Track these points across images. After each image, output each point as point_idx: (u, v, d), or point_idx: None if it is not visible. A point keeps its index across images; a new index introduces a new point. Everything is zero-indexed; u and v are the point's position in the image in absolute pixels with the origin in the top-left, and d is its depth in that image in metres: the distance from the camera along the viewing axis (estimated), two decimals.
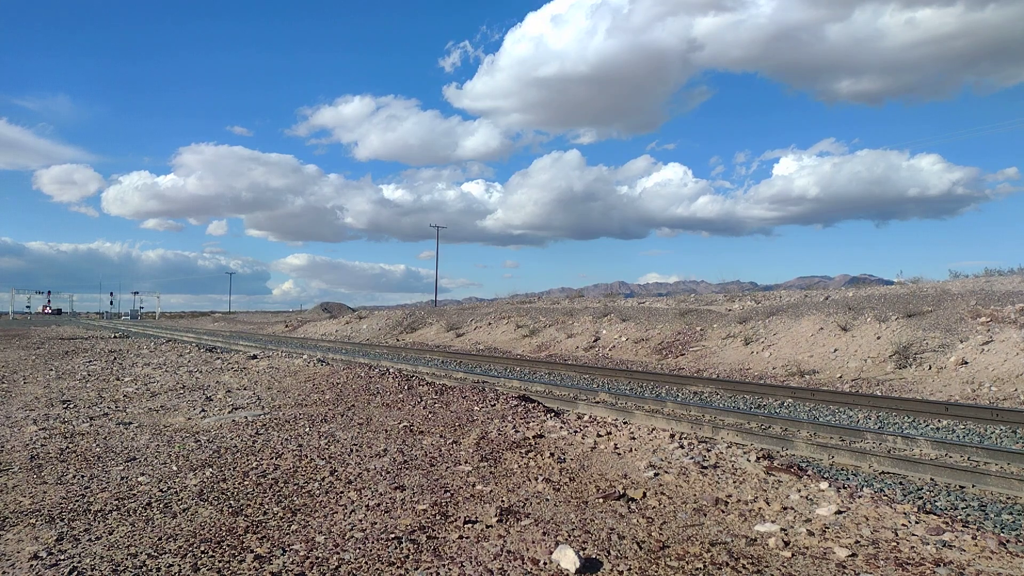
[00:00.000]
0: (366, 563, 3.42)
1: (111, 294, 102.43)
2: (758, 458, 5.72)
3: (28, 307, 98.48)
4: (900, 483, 6.49)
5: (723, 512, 4.25)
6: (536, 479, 4.94)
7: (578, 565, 3.32)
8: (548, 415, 7.65)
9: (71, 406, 8.41)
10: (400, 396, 8.96)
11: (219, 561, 3.43)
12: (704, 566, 3.40)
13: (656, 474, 5.10)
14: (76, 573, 3.28)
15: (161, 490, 4.64)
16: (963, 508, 5.73)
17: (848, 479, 6.58)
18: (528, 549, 3.60)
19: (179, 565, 3.38)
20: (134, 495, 4.53)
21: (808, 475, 5.37)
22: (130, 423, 7.21)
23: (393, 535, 3.79)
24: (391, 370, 12.86)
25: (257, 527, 3.92)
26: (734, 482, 4.93)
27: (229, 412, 7.83)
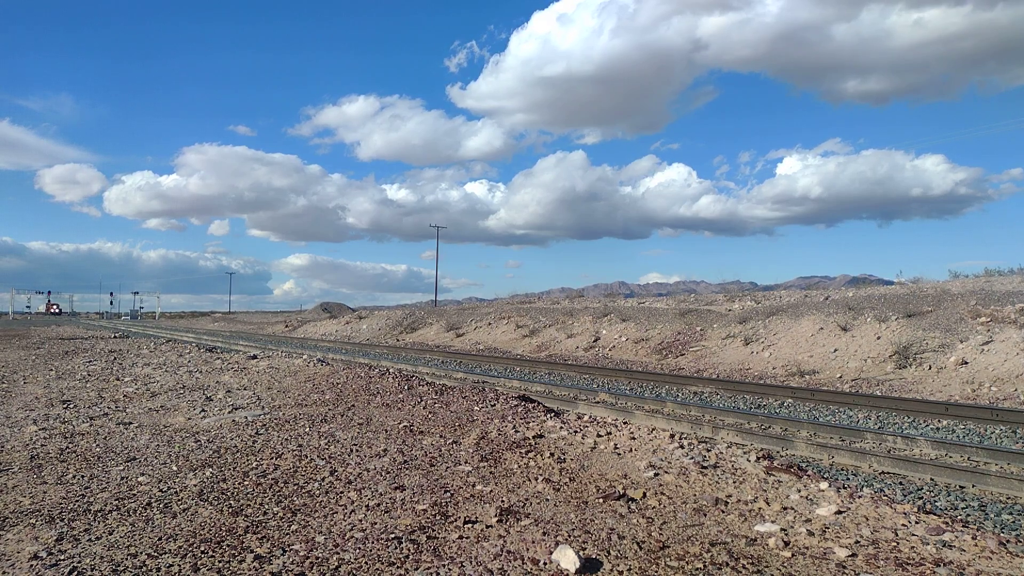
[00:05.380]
0: (366, 563, 3.42)
1: (111, 294, 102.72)
2: (758, 458, 5.72)
3: (28, 307, 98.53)
4: (900, 483, 6.49)
5: (723, 512, 4.25)
6: (536, 479, 4.94)
7: (578, 565, 3.32)
8: (548, 415, 7.65)
9: (71, 406, 8.41)
10: (400, 396, 8.96)
11: (219, 561, 3.43)
12: (704, 566, 3.40)
13: (656, 474, 5.10)
14: (76, 573, 3.28)
15: (161, 490, 4.64)
16: (963, 508, 5.73)
17: (848, 479, 6.58)
18: (528, 549, 3.60)
19: (179, 565, 3.38)
20: (134, 495, 4.53)
21: (808, 475, 5.37)
22: (130, 423, 7.21)
23: (393, 535, 3.79)
24: (391, 370, 12.87)
25: (257, 527, 3.92)
26: (734, 482, 4.93)
27: (229, 412, 7.83)
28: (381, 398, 8.84)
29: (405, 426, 6.88)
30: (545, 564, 3.41)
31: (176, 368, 13.09)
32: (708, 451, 5.93)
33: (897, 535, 3.88)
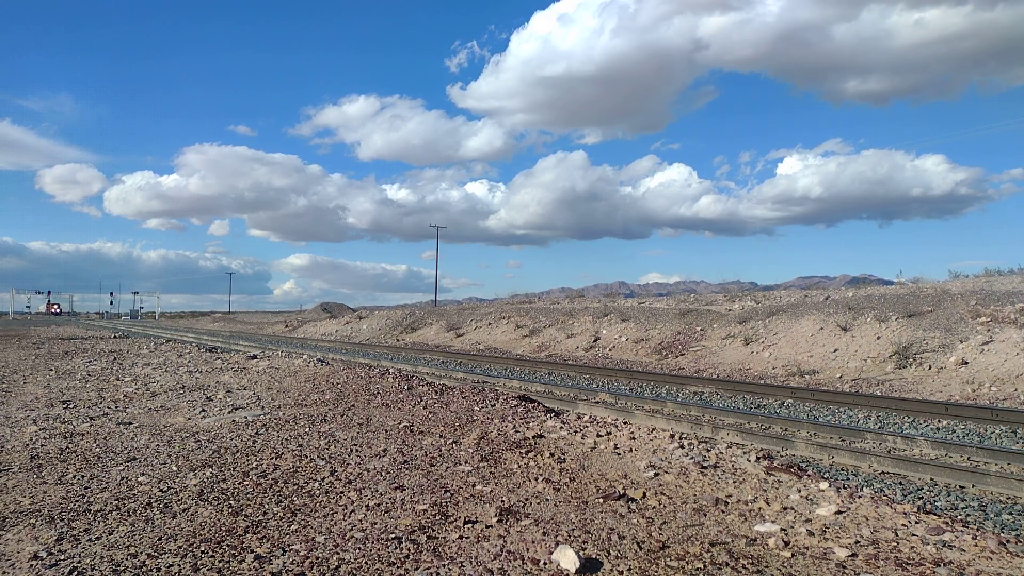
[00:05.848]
0: (366, 563, 3.42)
1: (111, 294, 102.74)
2: (758, 458, 5.72)
3: (28, 307, 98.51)
4: (900, 483, 6.49)
5: (723, 512, 4.25)
6: (536, 479, 4.94)
7: (578, 565, 3.32)
8: (548, 415, 7.65)
9: (71, 406, 8.41)
10: (400, 396, 8.96)
11: (219, 561, 3.43)
12: (704, 566, 3.40)
13: (656, 474, 5.10)
14: (76, 573, 3.28)
15: (161, 490, 4.64)
16: (963, 508, 5.73)
17: (848, 479, 6.58)
18: (528, 549, 3.60)
19: (179, 565, 3.38)
20: (134, 495, 4.53)
21: (808, 475, 5.37)
22: (130, 423, 7.21)
23: (393, 535, 3.79)
24: (391, 370, 12.86)
25: (257, 527, 3.92)
26: (734, 482, 4.93)
27: (229, 412, 7.83)
28: (381, 398, 8.84)
29: (405, 426, 6.88)
30: (545, 564, 3.41)
31: (176, 368, 13.09)
32: (708, 451, 5.93)
33: (897, 535, 3.88)
